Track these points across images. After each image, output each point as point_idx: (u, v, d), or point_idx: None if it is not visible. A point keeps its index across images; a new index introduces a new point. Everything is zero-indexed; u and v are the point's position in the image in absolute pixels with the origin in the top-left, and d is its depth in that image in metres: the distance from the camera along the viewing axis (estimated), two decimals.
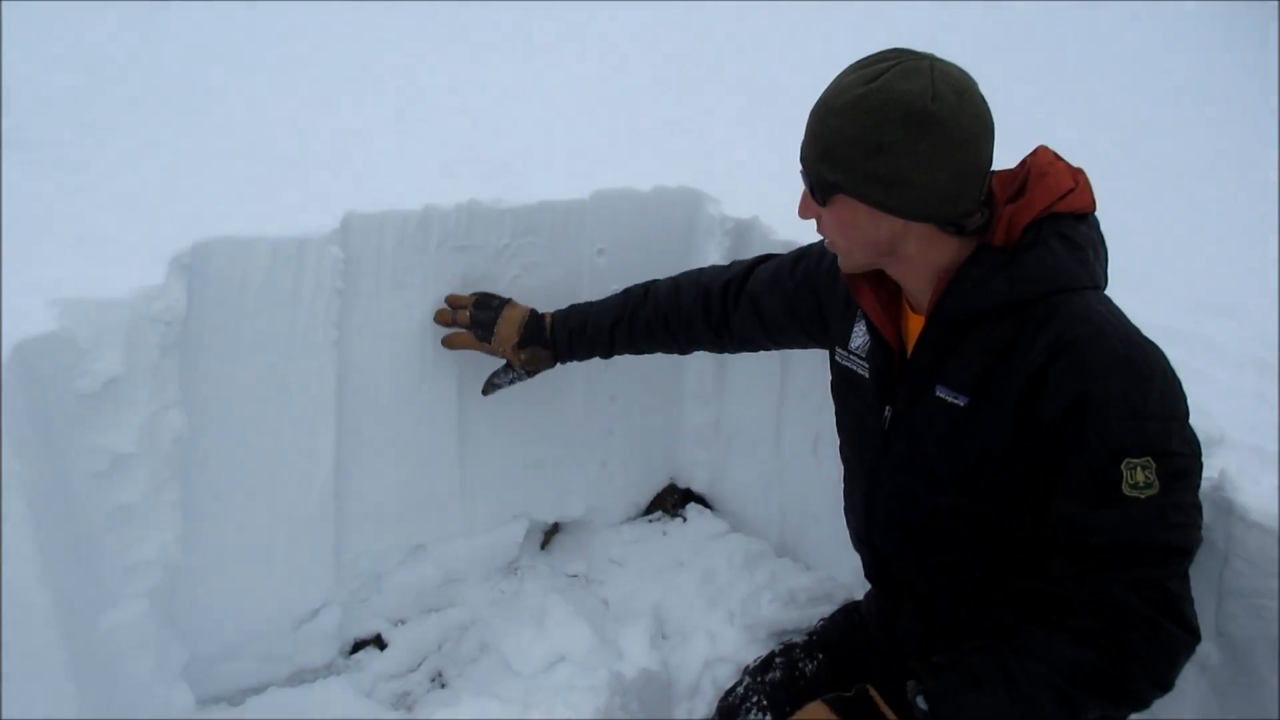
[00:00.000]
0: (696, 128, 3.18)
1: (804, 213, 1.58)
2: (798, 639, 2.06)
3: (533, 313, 2.26)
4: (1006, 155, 1.51)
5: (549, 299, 2.47)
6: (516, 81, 3.08)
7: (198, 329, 1.92)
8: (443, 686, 2.45)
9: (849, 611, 2.07)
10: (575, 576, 2.83)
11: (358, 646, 2.52)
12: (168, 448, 1.87)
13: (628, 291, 2.24)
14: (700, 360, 2.85)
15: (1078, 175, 1.51)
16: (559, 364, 2.30)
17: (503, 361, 2.32)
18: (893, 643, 1.82)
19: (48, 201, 1.93)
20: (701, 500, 3.11)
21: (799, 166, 1.52)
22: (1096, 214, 1.52)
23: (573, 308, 2.28)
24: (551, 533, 2.97)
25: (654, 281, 2.22)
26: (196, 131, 2.33)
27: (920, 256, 1.50)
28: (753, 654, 2.24)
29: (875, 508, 1.73)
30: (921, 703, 1.36)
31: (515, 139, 2.74)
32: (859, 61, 1.45)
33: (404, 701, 2.38)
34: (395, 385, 2.33)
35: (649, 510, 3.08)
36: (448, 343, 2.31)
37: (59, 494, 1.70)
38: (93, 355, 1.68)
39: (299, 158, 2.33)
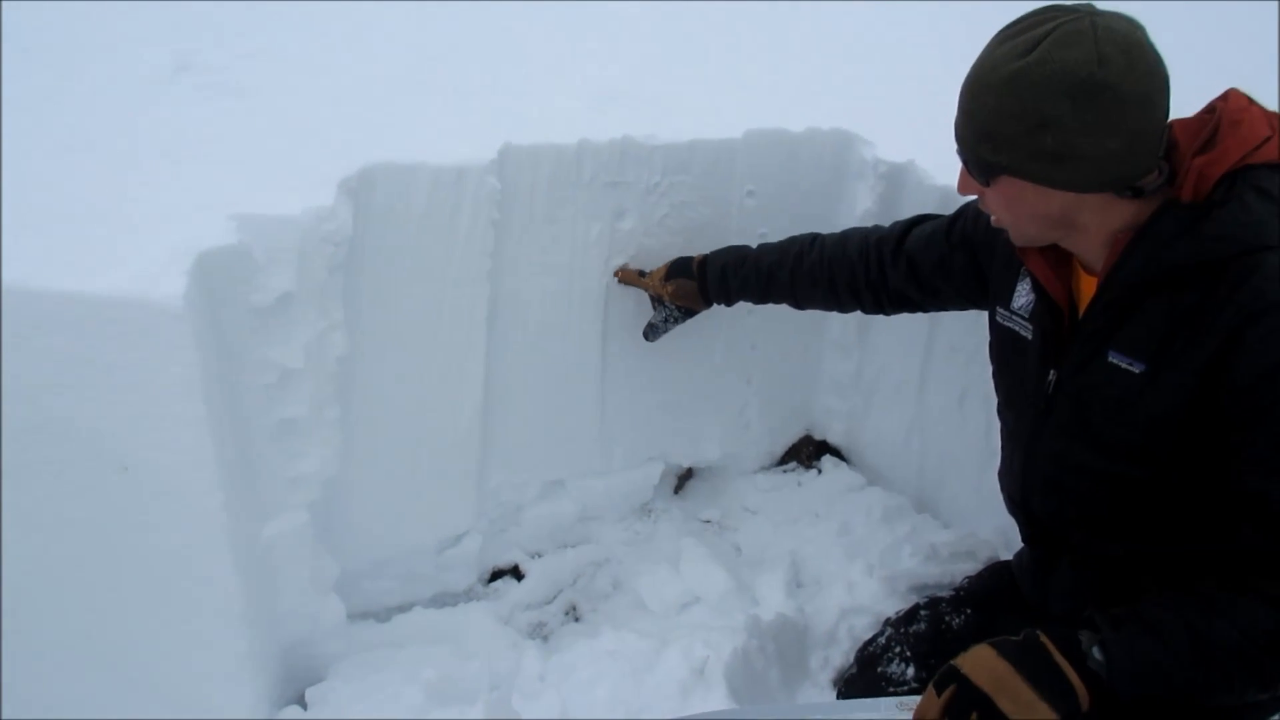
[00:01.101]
0: (850, 68, 3.09)
1: (964, 189, 1.48)
2: (943, 594, 2.01)
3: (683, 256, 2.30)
4: None
5: (697, 239, 2.46)
6: (670, 19, 3.04)
7: (360, 252, 1.97)
8: (577, 620, 2.48)
9: (997, 571, 2.00)
10: (708, 522, 2.83)
11: (495, 575, 2.58)
12: (331, 366, 1.93)
13: (792, 238, 2.19)
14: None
15: (1274, 121, 1.37)
16: (712, 304, 2.28)
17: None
18: (1047, 603, 1.75)
19: (222, 122, 1.99)
20: (837, 453, 3.06)
21: (955, 145, 1.42)
22: None
23: (729, 247, 2.26)
24: (685, 477, 2.97)
25: (819, 234, 2.17)
26: (361, 60, 2.38)
27: (1096, 224, 1.40)
28: (892, 607, 2.20)
29: (1033, 471, 1.65)
30: (1098, 653, 1.29)
31: (668, 76, 2.71)
32: (1008, 29, 1.33)
33: (540, 631, 2.43)
34: (542, 320, 2.35)
35: (783, 460, 3.05)
36: (618, 275, 2.40)
37: (232, 404, 1.77)
38: (267, 270, 1.74)
39: (458, 89, 2.35)
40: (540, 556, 2.61)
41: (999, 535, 2.43)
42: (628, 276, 2.39)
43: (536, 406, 2.44)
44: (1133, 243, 1.36)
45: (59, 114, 1.90)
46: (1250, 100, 1.40)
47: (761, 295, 2.21)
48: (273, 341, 1.81)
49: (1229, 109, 1.38)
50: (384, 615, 2.33)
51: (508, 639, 2.29)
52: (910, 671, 1.85)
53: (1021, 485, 1.69)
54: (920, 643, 1.88)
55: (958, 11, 3.26)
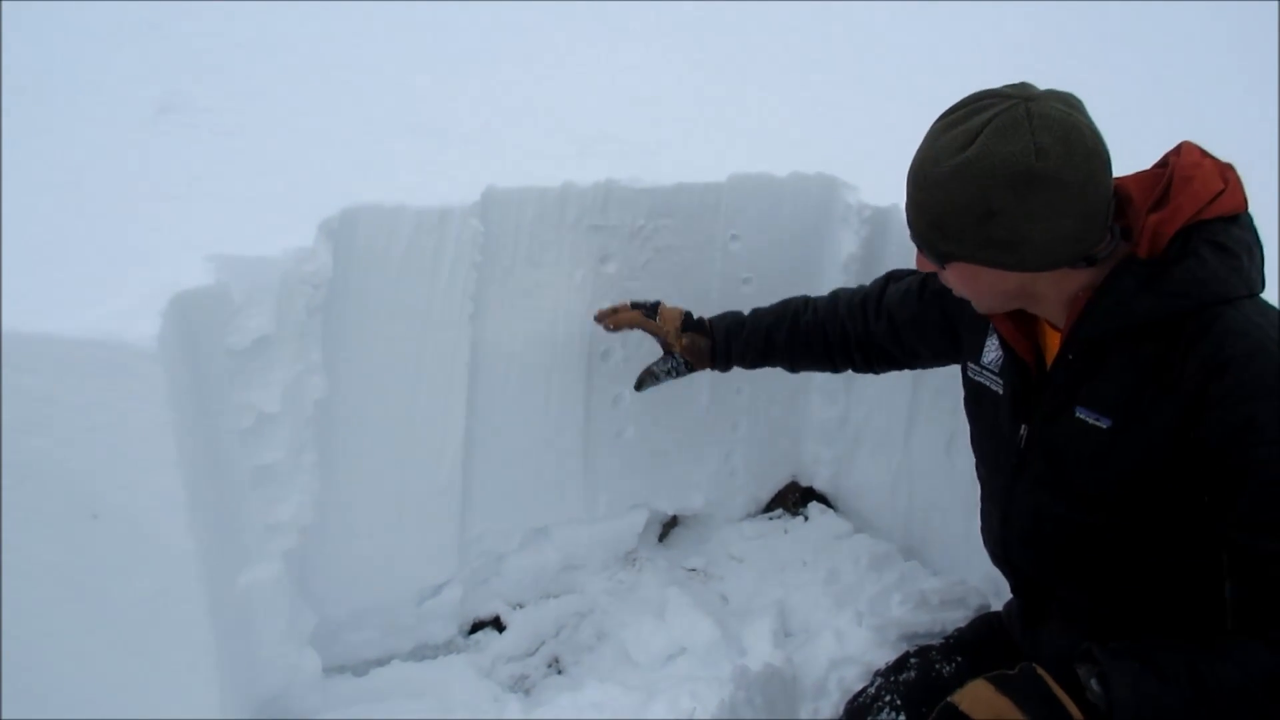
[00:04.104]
0: (833, 113, 3.12)
1: (923, 266, 1.52)
2: (932, 642, 1.98)
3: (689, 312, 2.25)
4: None
5: (681, 284, 2.45)
6: (655, 65, 3.06)
7: (341, 294, 1.94)
8: (559, 672, 2.42)
9: (988, 620, 1.99)
10: (694, 571, 2.78)
11: (476, 627, 2.52)
12: (309, 410, 1.89)
13: (785, 301, 2.20)
14: None
15: (1227, 173, 1.40)
16: (713, 367, 2.24)
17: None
18: (1039, 652, 1.73)
19: (204, 163, 1.97)
20: (823, 500, 3.03)
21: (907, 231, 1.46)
22: (1249, 213, 1.41)
23: (725, 312, 2.25)
24: (670, 525, 2.92)
25: (809, 296, 2.19)
26: (346, 104, 2.37)
27: (1054, 292, 1.42)
28: (882, 657, 2.16)
29: (1011, 527, 1.66)
30: (1096, 685, 1.26)
31: (652, 120, 2.72)
32: (946, 117, 1.36)
33: (522, 684, 2.36)
34: (525, 363, 2.32)
35: (769, 508, 3.02)
36: (613, 322, 2.24)
37: (207, 448, 1.72)
38: (245, 312, 1.70)
39: (442, 131, 2.35)
40: (522, 607, 2.55)
41: (989, 582, 2.39)
42: (627, 318, 2.22)
43: (519, 453, 2.40)
44: (1094, 300, 1.38)
45: (41, 152, 1.87)
46: (1203, 153, 1.43)
47: (759, 359, 2.20)
48: (250, 385, 1.77)
49: (1181, 164, 1.41)
50: (361, 669, 2.26)
51: (489, 693, 2.22)
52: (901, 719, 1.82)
53: (1002, 540, 1.70)
54: (911, 690, 1.84)
55: (936, 56, 3.31)
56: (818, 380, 2.84)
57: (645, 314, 2.22)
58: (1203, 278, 1.31)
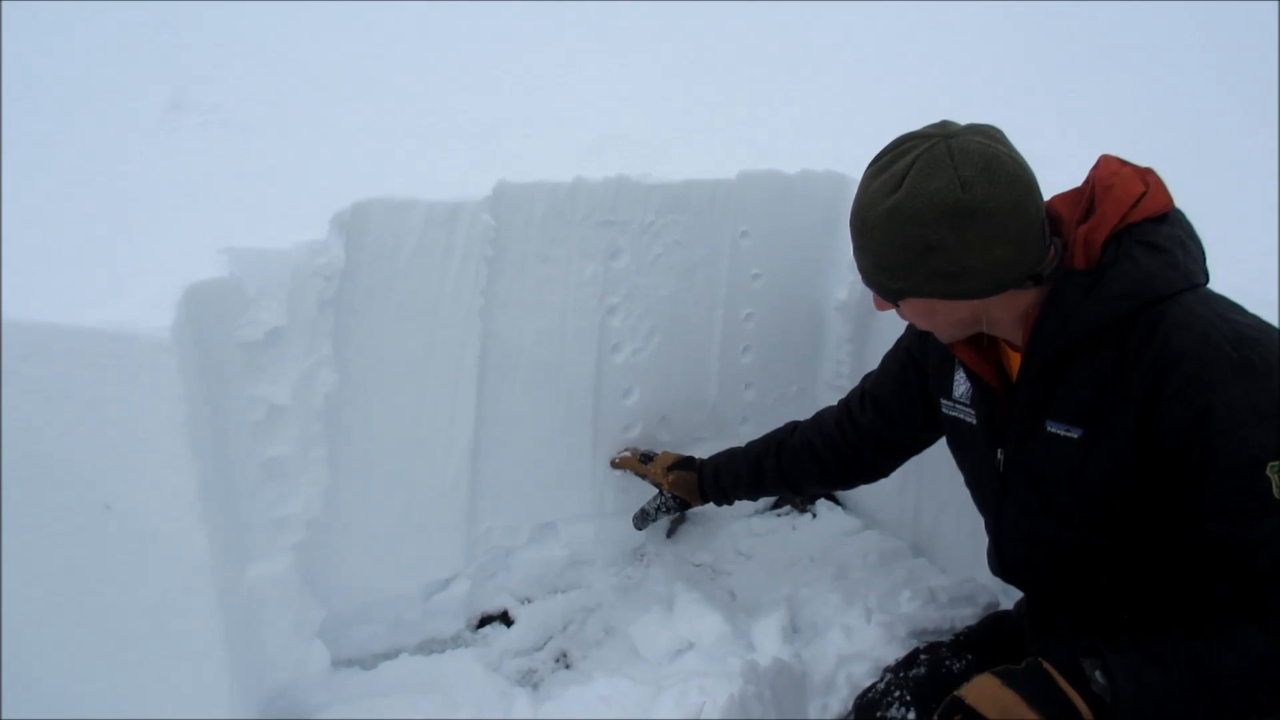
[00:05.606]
0: (842, 111, 3.12)
1: (880, 306, 1.57)
2: (942, 639, 1.98)
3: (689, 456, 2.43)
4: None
5: (691, 280, 2.44)
6: (665, 66, 3.07)
7: (352, 288, 1.94)
8: (567, 667, 2.42)
9: (998, 618, 2.02)
10: (701, 566, 2.77)
11: (484, 621, 2.52)
12: (319, 404, 1.89)
13: (775, 430, 2.30)
14: (836, 350, 2.78)
15: (1147, 176, 1.45)
16: (708, 501, 2.38)
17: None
18: (1048, 655, 1.74)
19: (216, 158, 1.98)
20: (830, 496, 3.03)
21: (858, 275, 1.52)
22: (1179, 209, 1.46)
23: (726, 449, 2.37)
24: (678, 521, 2.92)
25: (797, 421, 2.29)
26: (357, 101, 2.38)
27: (1007, 314, 1.48)
28: (891, 653, 2.16)
29: (1006, 551, 1.71)
30: (1100, 677, 1.29)
31: (664, 118, 2.72)
32: (874, 163, 1.42)
33: (530, 679, 2.36)
34: (534, 359, 2.32)
35: (777, 504, 3.01)
36: (615, 463, 2.54)
37: (218, 441, 1.72)
38: (258, 305, 1.71)
39: (453, 128, 2.35)
40: (530, 602, 2.55)
41: (997, 580, 2.38)
42: (627, 463, 2.48)
43: (527, 447, 2.41)
44: (1041, 316, 1.43)
45: (56, 149, 1.88)
46: (1121, 162, 1.48)
47: (754, 488, 2.30)
48: (261, 378, 1.78)
49: (1100, 175, 1.47)
50: (369, 663, 2.26)
51: (497, 687, 2.22)
52: (911, 716, 1.83)
53: (1000, 564, 1.76)
54: (921, 686, 1.86)
55: (946, 55, 3.31)
56: (825, 376, 2.84)
57: (641, 459, 2.45)
58: (1139, 276, 1.35)
